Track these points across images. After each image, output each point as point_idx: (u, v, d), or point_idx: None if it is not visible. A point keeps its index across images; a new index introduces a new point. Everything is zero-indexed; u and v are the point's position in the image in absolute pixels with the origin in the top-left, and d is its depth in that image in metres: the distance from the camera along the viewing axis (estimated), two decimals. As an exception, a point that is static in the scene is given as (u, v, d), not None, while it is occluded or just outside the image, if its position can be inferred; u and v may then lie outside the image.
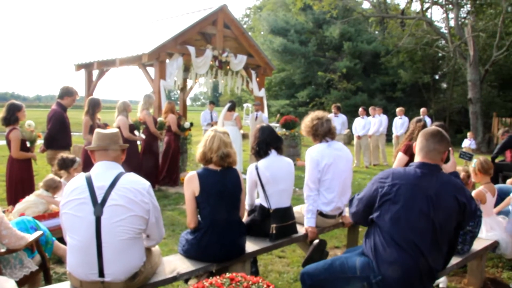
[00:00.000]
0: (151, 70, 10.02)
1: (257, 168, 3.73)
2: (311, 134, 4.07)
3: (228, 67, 10.92)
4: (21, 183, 5.39)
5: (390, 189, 2.56)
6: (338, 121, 11.39)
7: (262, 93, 12.26)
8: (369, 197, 2.67)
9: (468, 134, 13.92)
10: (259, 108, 11.63)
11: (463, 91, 22.49)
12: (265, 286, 1.83)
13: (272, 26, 27.58)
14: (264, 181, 3.69)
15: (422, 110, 13.09)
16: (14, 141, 5.21)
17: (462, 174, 3.81)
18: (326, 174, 3.90)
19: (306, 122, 4.11)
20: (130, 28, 13.49)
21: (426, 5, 22.12)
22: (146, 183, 2.67)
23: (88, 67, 11.34)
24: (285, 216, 3.72)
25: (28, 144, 5.43)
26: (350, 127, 13.09)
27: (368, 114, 12.60)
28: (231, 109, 10.15)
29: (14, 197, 5.25)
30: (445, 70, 24.67)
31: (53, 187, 4.57)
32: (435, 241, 2.53)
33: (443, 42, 22.82)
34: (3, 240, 2.82)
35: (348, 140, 17.16)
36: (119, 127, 6.94)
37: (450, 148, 2.93)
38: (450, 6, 20.90)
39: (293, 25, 26.95)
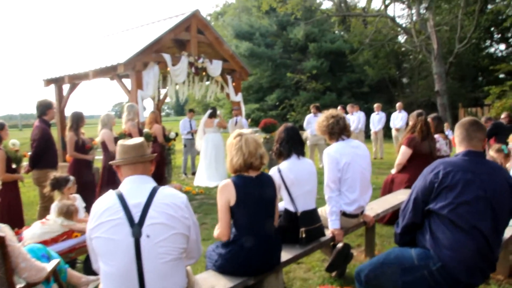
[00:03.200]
0: (126, 81, 9.65)
1: (280, 171, 3.54)
2: (327, 133, 3.94)
3: (204, 73, 10.66)
4: (8, 206, 4.97)
5: (445, 177, 2.51)
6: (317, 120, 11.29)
7: (239, 97, 12.03)
8: (424, 191, 2.57)
9: (445, 125, 14.17)
10: (238, 112, 11.40)
11: (428, 84, 23.03)
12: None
13: (237, 30, 27.43)
14: (289, 183, 3.51)
15: (398, 104, 13.22)
16: (-1, 163, 4.79)
17: None
18: (347, 173, 3.76)
19: (321, 121, 3.98)
20: (101, 39, 12.97)
21: (387, 1, 22.56)
22: (183, 197, 2.41)
23: (58, 81, 10.80)
24: (312, 219, 3.55)
25: (13, 165, 5.02)
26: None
27: (346, 112, 12.61)
28: (212, 115, 9.95)
29: (1, 221, 4.83)
30: (409, 65, 25.20)
31: (70, 212, 4.05)
32: (495, 225, 2.48)
33: (406, 37, 23.32)
34: (23, 274, 2.50)
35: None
36: (103, 141, 6.60)
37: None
38: (412, 1, 21.37)
39: (257, 29, 26.89)
